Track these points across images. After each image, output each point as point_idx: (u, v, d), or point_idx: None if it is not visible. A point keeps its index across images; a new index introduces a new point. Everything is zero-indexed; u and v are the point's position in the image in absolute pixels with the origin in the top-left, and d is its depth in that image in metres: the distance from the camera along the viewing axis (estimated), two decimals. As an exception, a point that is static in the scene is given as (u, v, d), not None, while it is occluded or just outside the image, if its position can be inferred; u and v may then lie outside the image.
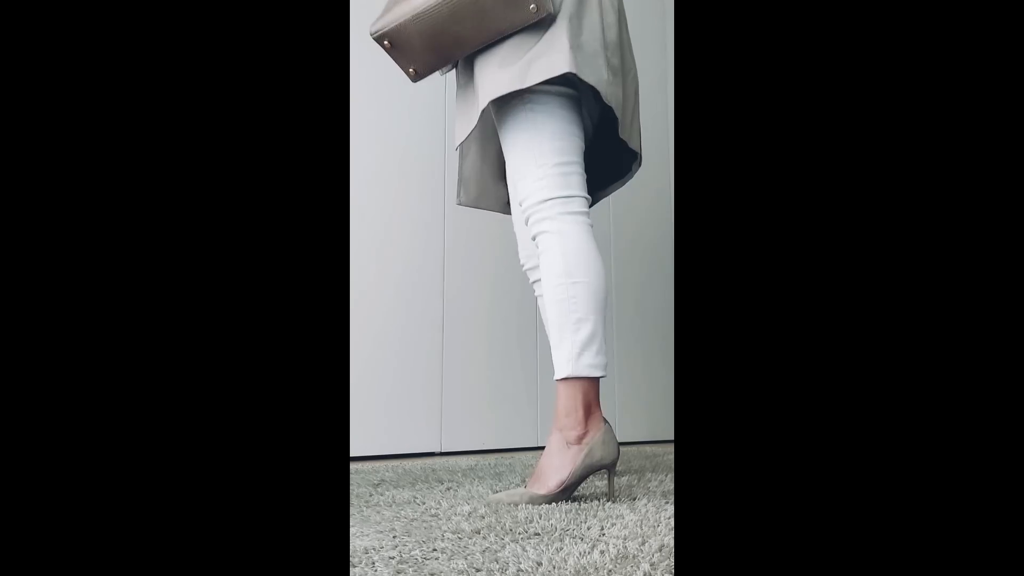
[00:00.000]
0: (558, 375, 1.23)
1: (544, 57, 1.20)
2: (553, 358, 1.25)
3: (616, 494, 1.25)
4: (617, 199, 3.15)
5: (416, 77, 1.31)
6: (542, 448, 2.79)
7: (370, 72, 2.32)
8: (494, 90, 1.23)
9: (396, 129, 2.40)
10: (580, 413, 1.20)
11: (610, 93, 1.25)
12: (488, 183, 1.59)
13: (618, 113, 1.28)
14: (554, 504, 1.15)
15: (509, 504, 1.15)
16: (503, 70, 1.23)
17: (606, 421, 1.22)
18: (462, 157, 1.56)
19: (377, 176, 2.40)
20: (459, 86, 1.37)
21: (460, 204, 1.57)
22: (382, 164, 2.37)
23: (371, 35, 1.27)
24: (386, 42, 1.27)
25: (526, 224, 1.30)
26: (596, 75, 1.23)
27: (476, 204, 1.58)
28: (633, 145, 1.37)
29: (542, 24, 1.23)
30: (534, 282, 1.51)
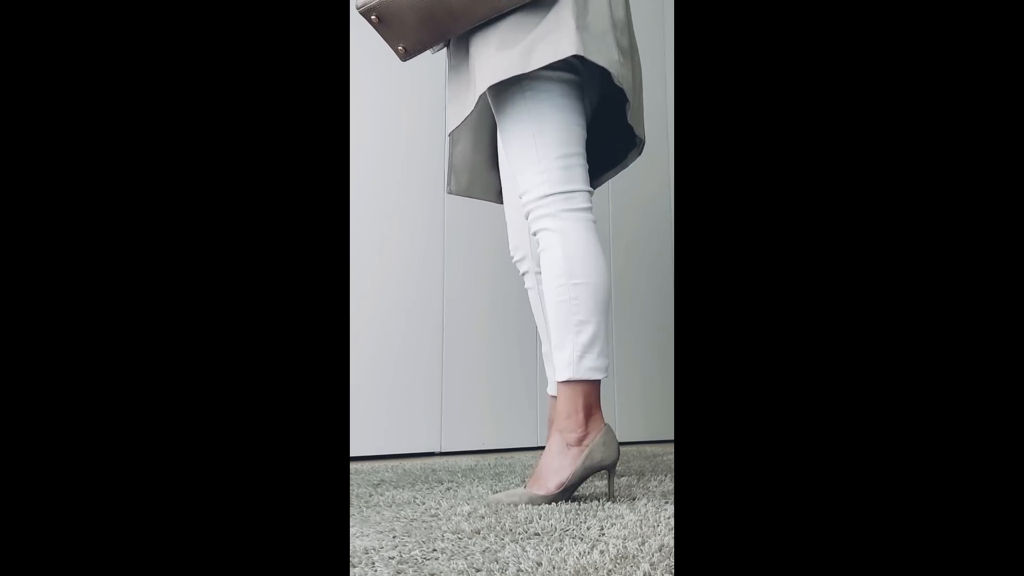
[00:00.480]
0: (559, 377, 1.22)
1: (548, 39, 1.13)
2: (554, 359, 1.24)
3: (616, 494, 1.25)
4: (616, 197, 3.14)
5: (406, 56, 1.23)
6: (542, 448, 2.79)
7: (369, 65, 2.32)
8: (492, 75, 1.16)
9: (395, 127, 2.40)
10: (581, 415, 1.19)
11: (622, 75, 1.19)
12: (480, 171, 1.53)
13: (629, 96, 1.24)
14: (554, 504, 1.15)
15: (509, 504, 1.15)
16: (503, 52, 1.15)
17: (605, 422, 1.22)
18: (453, 144, 1.49)
19: (377, 175, 2.40)
20: (451, 67, 1.30)
21: (450, 193, 1.52)
22: (381, 163, 2.37)
23: (357, 8, 1.18)
24: (374, 16, 1.17)
25: (526, 219, 1.27)
26: (607, 56, 1.17)
27: (467, 193, 1.53)
28: (639, 131, 1.33)
29: (545, 1, 1.15)
30: (523, 273, 1.48)
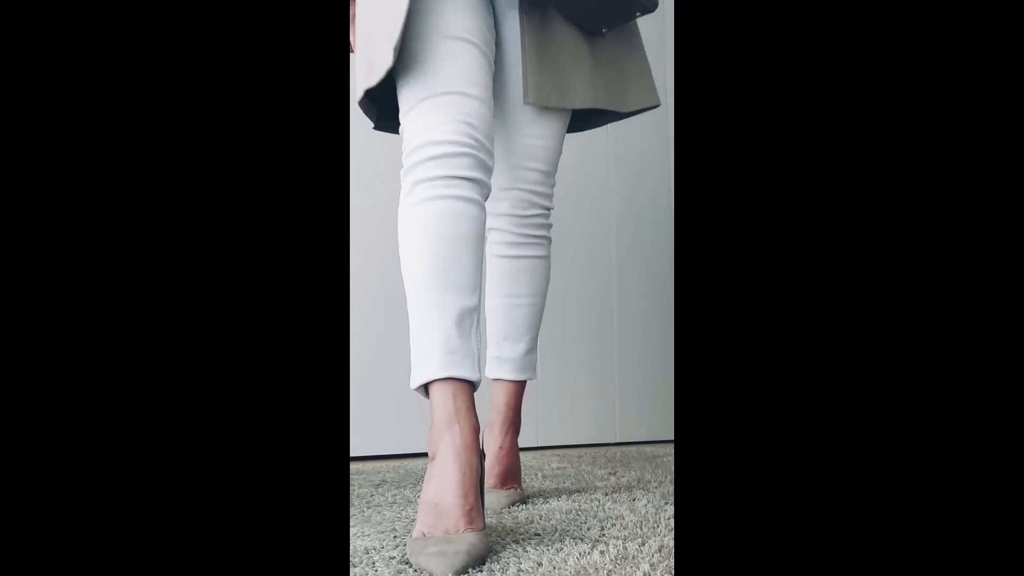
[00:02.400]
0: (533, 376, 1.30)
1: (640, 83, 1.12)
2: (521, 361, 1.29)
3: (616, 495, 1.25)
4: (619, 197, 3.14)
5: None
6: (540, 448, 2.78)
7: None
8: (591, 101, 1.08)
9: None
10: None
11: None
12: None
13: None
14: (554, 505, 1.15)
15: (505, 506, 1.17)
16: (598, 76, 1.09)
17: None
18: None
19: (376, 176, 2.39)
20: (534, 30, 1.07)
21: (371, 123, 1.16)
22: (381, 162, 2.36)
23: None
24: None
25: (519, 210, 1.16)
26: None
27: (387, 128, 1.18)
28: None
29: (632, 34, 1.13)
30: (453, 177, 0.94)
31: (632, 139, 3.15)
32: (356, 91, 1.00)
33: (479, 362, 0.93)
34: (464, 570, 0.72)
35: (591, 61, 1.07)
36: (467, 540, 0.75)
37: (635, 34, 1.14)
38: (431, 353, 0.89)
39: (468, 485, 0.82)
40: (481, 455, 0.88)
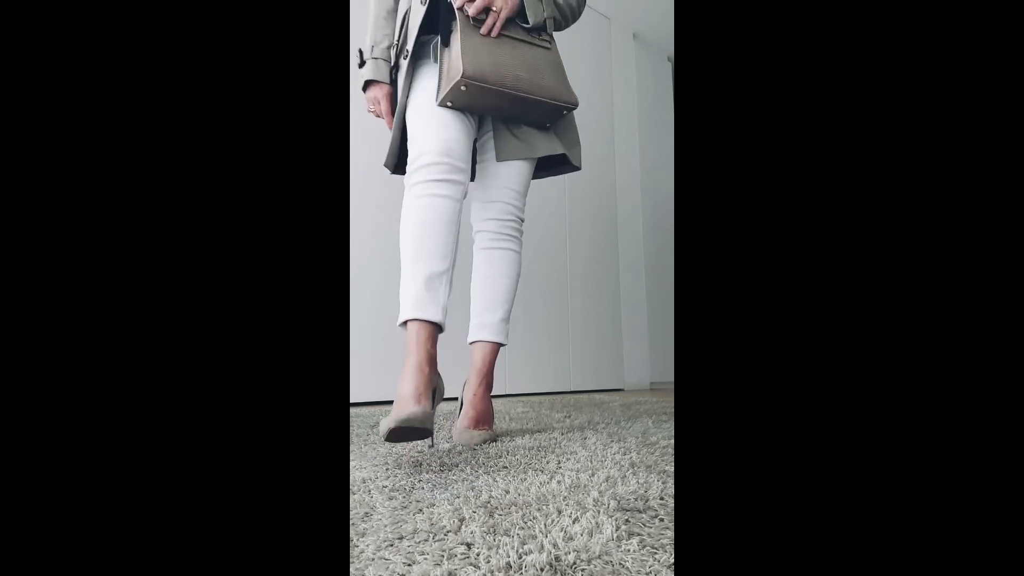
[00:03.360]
0: (505, 342, 1.33)
1: (574, 149, 1.36)
2: (496, 326, 1.31)
3: (570, 434, 1.26)
4: (572, 219, 3.13)
5: (442, 104, 1.19)
6: (508, 396, 2.80)
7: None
8: (572, 155, 1.35)
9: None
10: None
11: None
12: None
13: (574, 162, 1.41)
14: (519, 442, 1.16)
15: (480, 443, 1.17)
16: (554, 137, 1.33)
17: None
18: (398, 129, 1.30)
19: (376, 150, 2.36)
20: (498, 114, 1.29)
21: (386, 165, 1.36)
22: (378, 163, 2.32)
23: (457, 77, 1.12)
24: (463, 87, 1.13)
25: (498, 216, 1.32)
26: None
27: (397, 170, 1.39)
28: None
29: (570, 121, 1.37)
30: (439, 180, 1.17)
31: (578, 180, 3.36)
32: (387, 157, 1.34)
33: (445, 312, 1.11)
34: (405, 421, 0.92)
35: (541, 131, 1.32)
36: (410, 408, 0.95)
37: (572, 121, 1.37)
38: (407, 302, 1.11)
39: (419, 382, 1.02)
40: (461, 401, 1.02)
